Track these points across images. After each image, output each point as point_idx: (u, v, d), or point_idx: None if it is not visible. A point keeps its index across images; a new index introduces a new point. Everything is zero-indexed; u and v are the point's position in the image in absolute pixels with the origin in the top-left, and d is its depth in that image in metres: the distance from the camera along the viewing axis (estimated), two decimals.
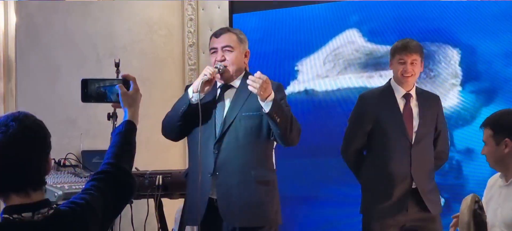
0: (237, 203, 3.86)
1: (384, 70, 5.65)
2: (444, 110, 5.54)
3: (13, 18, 5.21)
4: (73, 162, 4.76)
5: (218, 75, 3.94)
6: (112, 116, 4.15)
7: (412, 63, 4.47)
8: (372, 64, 5.83)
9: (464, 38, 5.50)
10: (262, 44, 6.11)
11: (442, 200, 5.43)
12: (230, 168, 3.87)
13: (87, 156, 5.47)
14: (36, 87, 5.40)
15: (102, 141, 4.70)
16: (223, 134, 3.89)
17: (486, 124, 3.83)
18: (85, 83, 2.79)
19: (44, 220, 2.17)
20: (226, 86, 3.98)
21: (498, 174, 3.94)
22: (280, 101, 3.85)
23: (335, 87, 5.98)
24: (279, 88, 3.95)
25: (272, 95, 3.75)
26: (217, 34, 4.02)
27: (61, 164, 4.66)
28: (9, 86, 5.19)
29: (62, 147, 5.25)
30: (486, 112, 5.26)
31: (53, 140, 5.95)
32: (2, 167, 2.16)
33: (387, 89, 4.58)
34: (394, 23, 5.71)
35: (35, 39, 5.44)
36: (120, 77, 2.76)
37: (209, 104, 3.96)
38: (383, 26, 5.78)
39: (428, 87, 5.56)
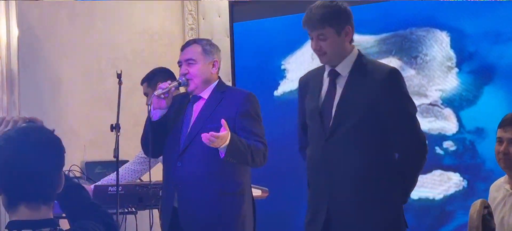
0: (198, 215, 3.83)
1: (377, 60, 5.60)
2: (445, 93, 5.47)
3: (15, 31, 5.23)
4: (77, 174, 4.77)
5: (183, 88, 3.98)
6: (115, 127, 4.16)
7: (318, 38, 3.48)
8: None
9: (450, 21, 5.48)
10: (253, 53, 6.08)
11: (465, 182, 5.44)
12: (192, 180, 3.83)
13: (90, 167, 5.48)
14: (39, 99, 5.42)
15: (105, 152, 4.72)
16: (186, 146, 3.88)
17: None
18: None
19: None
20: (196, 98, 3.98)
21: (500, 180, 3.89)
22: (244, 116, 3.83)
23: None
24: (247, 100, 3.92)
25: (228, 141, 3.69)
26: (182, 48, 4.04)
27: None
28: (12, 98, 5.21)
29: (65, 158, 5.26)
30: (488, 91, 5.33)
31: None
32: (18, 175, 2.13)
33: (321, 68, 3.62)
34: (377, 12, 5.60)
35: (37, 51, 5.46)
36: None
37: (177, 117, 3.98)
38: (367, 16, 5.66)
39: (425, 72, 5.57)
